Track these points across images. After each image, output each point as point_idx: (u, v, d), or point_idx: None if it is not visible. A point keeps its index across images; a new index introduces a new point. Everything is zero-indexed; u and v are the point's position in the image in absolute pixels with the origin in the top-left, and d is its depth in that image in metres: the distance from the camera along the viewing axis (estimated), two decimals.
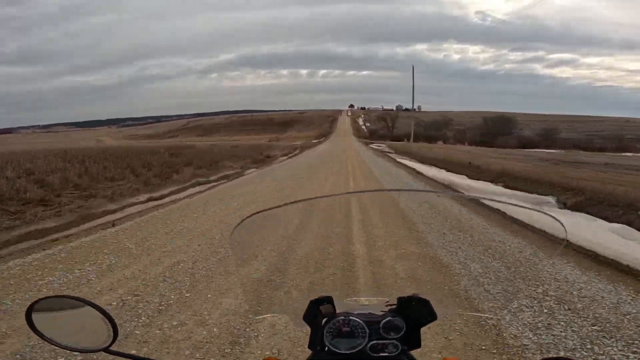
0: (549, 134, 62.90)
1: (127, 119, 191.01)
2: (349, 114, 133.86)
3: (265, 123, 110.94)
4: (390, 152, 28.21)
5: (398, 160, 20.20)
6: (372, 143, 44.43)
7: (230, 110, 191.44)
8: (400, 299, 0.75)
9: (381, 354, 0.70)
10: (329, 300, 0.74)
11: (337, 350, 0.70)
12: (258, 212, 0.72)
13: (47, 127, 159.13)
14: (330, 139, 58.00)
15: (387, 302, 0.77)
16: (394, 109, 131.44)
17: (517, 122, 67.00)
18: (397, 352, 0.70)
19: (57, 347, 0.71)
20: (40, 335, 0.70)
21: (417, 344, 0.73)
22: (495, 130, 61.29)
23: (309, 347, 0.74)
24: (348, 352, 0.70)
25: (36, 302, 0.71)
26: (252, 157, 16.69)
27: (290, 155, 21.80)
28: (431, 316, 0.74)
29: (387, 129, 74.96)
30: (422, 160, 20.21)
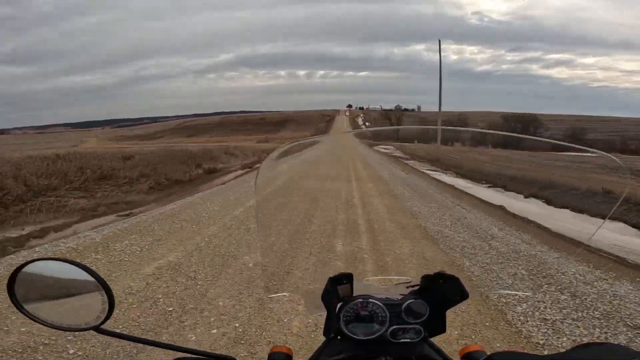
0: (576, 134, 55.43)
1: (123, 120, 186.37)
2: (347, 113, 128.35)
3: (259, 123, 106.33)
4: (406, 159, 20.26)
5: (433, 176, 12.24)
6: (376, 145, 36.49)
7: (228, 110, 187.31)
8: (425, 277, 0.68)
9: (402, 340, 0.64)
10: (349, 278, 0.67)
11: (354, 337, 0.63)
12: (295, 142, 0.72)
13: (42, 128, 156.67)
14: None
15: (410, 282, 0.71)
16: (393, 108, 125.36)
17: (542, 122, 59.24)
18: (418, 338, 0.64)
19: (41, 325, 0.57)
20: (21, 309, 0.57)
21: (442, 329, 0.66)
22: (517, 130, 53.67)
23: (324, 334, 0.67)
24: (366, 338, 0.63)
25: (22, 266, 0.58)
26: (166, 175, 8.59)
27: (256, 165, 13.65)
28: (462, 295, 0.65)
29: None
30: (470, 176, 12.48)
